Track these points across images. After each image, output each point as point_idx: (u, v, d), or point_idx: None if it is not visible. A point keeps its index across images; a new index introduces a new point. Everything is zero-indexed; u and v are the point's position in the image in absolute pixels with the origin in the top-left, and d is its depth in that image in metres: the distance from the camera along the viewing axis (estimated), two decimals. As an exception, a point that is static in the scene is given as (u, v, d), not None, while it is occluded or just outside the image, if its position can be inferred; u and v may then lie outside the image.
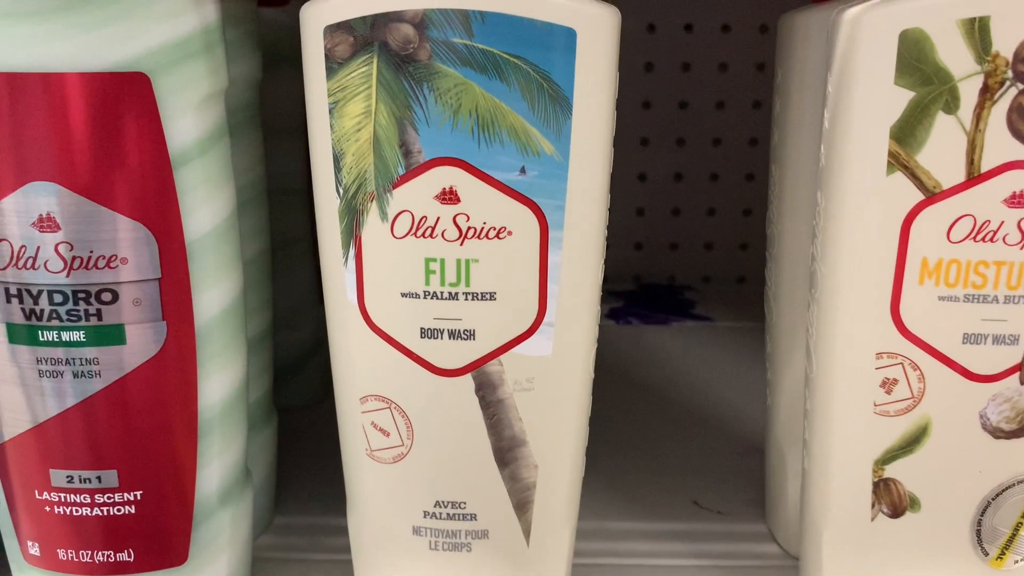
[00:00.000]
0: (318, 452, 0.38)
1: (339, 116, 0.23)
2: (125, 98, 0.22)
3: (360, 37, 0.22)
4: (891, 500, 0.25)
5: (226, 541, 0.27)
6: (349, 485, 0.26)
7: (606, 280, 0.64)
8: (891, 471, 0.25)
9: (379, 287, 0.24)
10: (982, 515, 0.25)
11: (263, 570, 0.30)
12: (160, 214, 0.23)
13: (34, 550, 0.26)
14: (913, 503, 0.25)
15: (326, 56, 0.22)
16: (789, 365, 0.31)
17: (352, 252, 0.24)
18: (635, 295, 0.61)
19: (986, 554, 0.26)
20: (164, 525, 0.25)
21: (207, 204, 0.24)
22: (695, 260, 0.65)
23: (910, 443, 0.25)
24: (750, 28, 0.59)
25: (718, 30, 0.59)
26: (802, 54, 0.28)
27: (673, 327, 0.55)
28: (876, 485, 0.25)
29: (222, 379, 0.25)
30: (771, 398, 0.32)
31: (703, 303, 0.60)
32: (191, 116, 0.23)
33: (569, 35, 0.22)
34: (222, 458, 0.26)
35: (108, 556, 0.25)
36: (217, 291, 0.24)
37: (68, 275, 0.23)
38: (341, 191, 0.23)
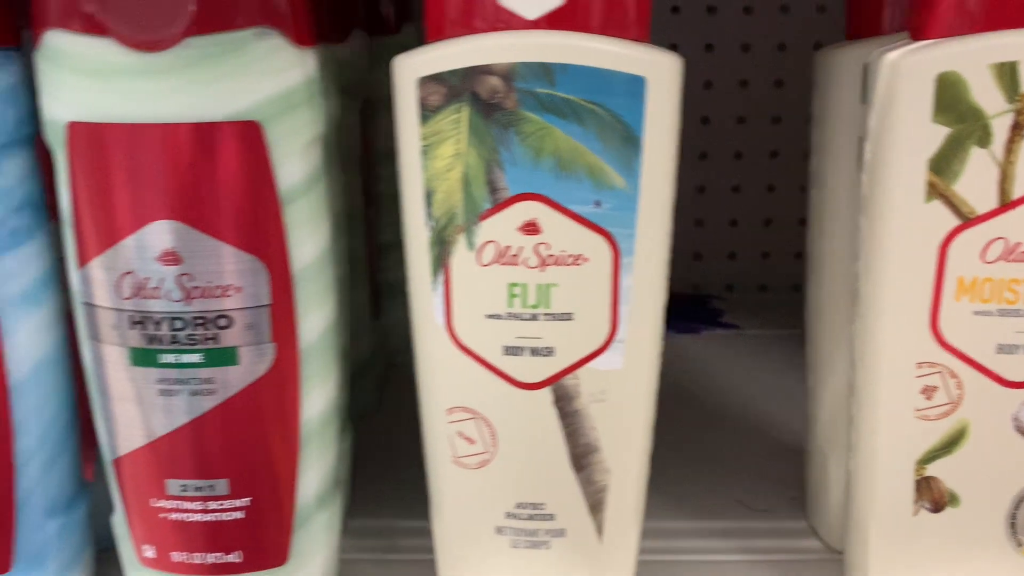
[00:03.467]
0: (377, 459, 0.41)
1: (431, 157, 0.25)
2: (240, 144, 0.25)
3: (452, 87, 0.24)
4: (932, 496, 0.28)
5: (322, 543, 0.29)
6: (434, 489, 0.29)
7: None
8: (932, 470, 0.27)
9: (466, 310, 0.26)
10: (1016, 509, 0.27)
11: (344, 569, 0.33)
12: (271, 247, 0.26)
13: (149, 553, 0.28)
14: (952, 499, 0.28)
15: (420, 104, 0.25)
16: (830, 374, 0.33)
17: (441, 278, 0.26)
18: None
19: (1019, 544, 0.28)
20: (269, 528, 0.28)
21: (311, 236, 0.26)
22: (718, 270, 0.67)
23: (949, 444, 0.27)
24: (770, 47, 0.62)
25: (739, 49, 0.62)
26: (838, 88, 0.31)
27: (704, 335, 0.57)
28: (918, 483, 0.28)
29: (321, 394, 0.28)
30: (812, 405, 0.34)
31: (730, 312, 0.62)
32: (297, 159, 0.25)
33: (639, 82, 0.24)
34: (319, 466, 0.28)
35: (218, 558, 0.28)
36: (318, 315, 0.27)
37: (188, 303, 0.25)
38: (432, 224, 0.26)
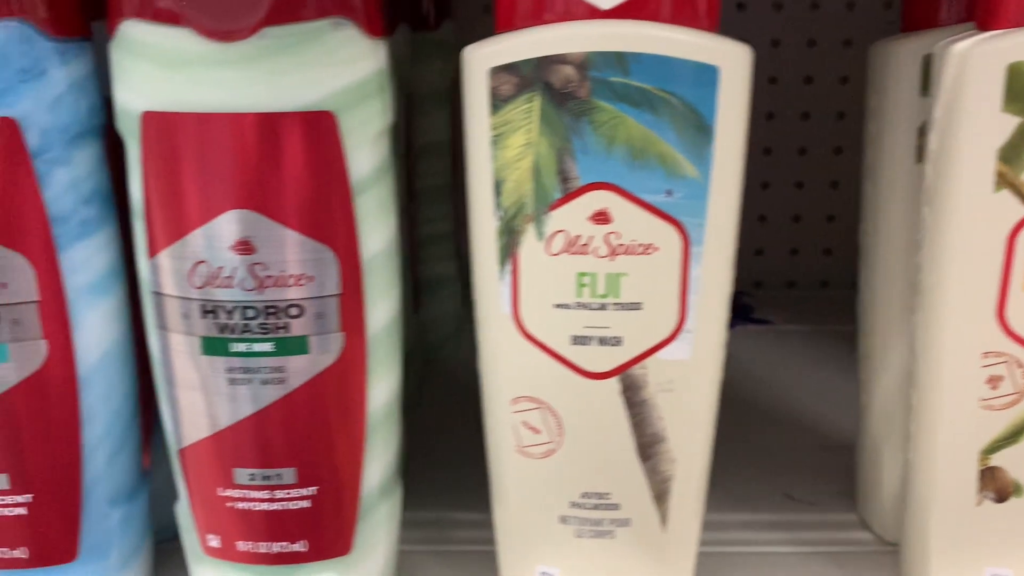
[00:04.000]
0: (423, 453, 0.41)
1: (501, 147, 0.25)
2: (314, 134, 0.25)
3: (525, 77, 0.25)
4: (996, 486, 0.28)
5: (384, 533, 0.29)
6: (497, 480, 0.29)
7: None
8: (996, 460, 0.27)
9: (533, 299, 0.26)
10: (1081, 498, 0.28)
11: (402, 560, 0.33)
12: (342, 237, 0.26)
13: (214, 542, 0.28)
14: (1017, 489, 0.28)
15: (491, 94, 0.25)
16: (884, 366, 0.33)
17: (508, 268, 0.26)
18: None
19: (1084, 534, 0.28)
20: (334, 518, 0.28)
21: (379, 227, 0.26)
22: (746, 266, 0.67)
23: (1014, 434, 0.27)
24: (800, 44, 0.62)
25: (768, 45, 0.62)
26: (895, 80, 0.31)
27: (737, 330, 0.58)
28: (982, 473, 0.28)
29: (386, 384, 0.28)
30: (865, 397, 0.34)
31: (760, 308, 0.62)
32: (368, 149, 0.26)
33: (712, 72, 0.24)
34: (383, 456, 0.29)
35: (284, 547, 0.28)
36: (385, 304, 0.27)
37: (260, 292, 0.25)
38: (500, 214, 0.26)
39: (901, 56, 0.31)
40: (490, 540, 0.32)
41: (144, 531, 0.30)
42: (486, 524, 0.31)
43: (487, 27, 0.26)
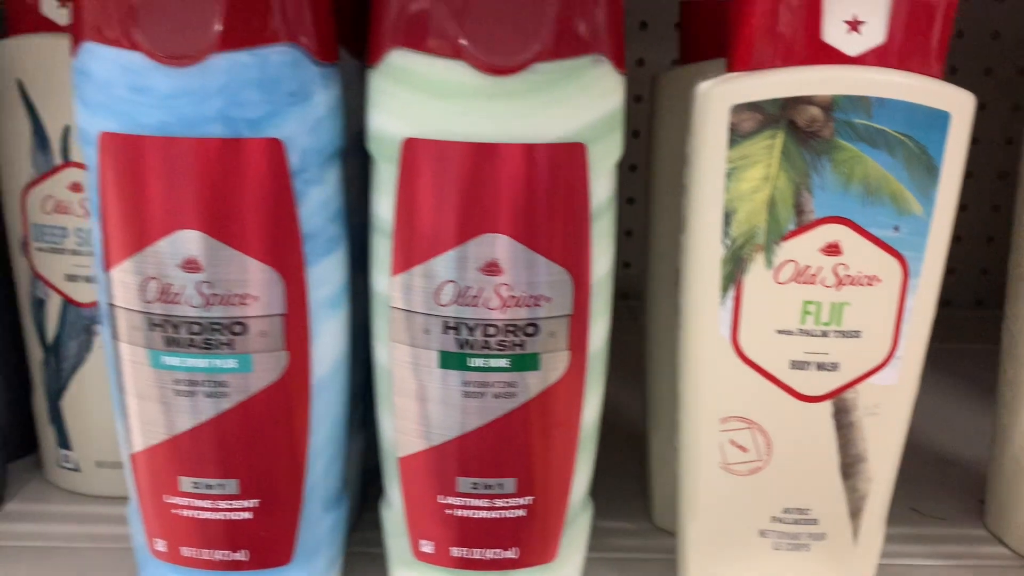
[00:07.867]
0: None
1: (736, 180, 0.27)
2: (566, 164, 0.26)
3: (769, 115, 0.26)
4: None
5: (583, 542, 0.31)
6: (691, 494, 0.30)
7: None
8: None
9: (755, 325, 0.28)
10: None
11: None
12: (578, 260, 0.27)
13: (427, 548, 0.29)
14: None
15: (730, 129, 0.26)
16: (1032, 389, 0.35)
17: (731, 294, 0.28)
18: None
19: None
20: (545, 526, 0.29)
21: (606, 251, 0.28)
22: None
23: None
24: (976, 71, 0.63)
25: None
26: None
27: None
28: None
29: (596, 399, 0.29)
30: (1006, 417, 0.36)
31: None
32: (606, 178, 0.27)
33: (944, 117, 0.26)
34: (587, 467, 0.30)
35: (497, 554, 0.29)
36: (602, 324, 0.28)
37: (503, 312, 0.27)
38: (728, 242, 0.27)
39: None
40: (643, 548, 0.33)
41: (345, 536, 0.31)
42: (639, 533, 0.33)
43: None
